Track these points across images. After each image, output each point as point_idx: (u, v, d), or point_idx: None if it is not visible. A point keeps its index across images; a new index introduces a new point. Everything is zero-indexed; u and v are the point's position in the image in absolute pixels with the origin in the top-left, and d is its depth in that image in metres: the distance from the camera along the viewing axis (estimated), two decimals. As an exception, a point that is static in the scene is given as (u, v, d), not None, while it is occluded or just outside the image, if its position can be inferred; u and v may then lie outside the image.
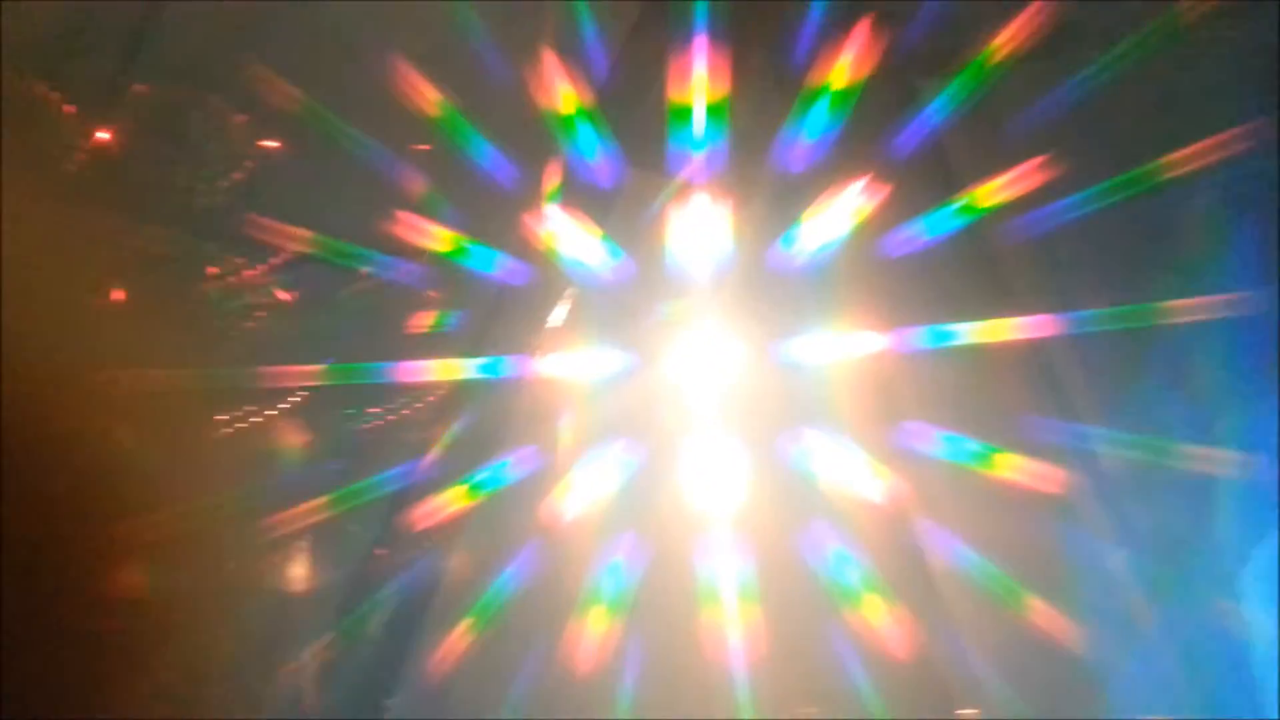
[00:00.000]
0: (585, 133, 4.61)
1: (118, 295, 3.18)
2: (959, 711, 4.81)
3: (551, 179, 4.59)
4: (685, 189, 4.55)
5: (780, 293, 4.66)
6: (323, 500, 4.70)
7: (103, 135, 4.19)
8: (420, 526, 4.82)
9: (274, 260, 4.66)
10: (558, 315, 4.76)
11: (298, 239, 4.55)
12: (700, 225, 4.60)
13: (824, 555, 4.56)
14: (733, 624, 4.56)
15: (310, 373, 4.75)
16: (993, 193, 4.74)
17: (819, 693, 4.63)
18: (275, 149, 4.59)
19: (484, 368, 4.78)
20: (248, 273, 4.66)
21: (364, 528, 4.92)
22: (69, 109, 4.03)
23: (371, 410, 5.05)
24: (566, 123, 4.59)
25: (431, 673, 4.74)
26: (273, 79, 4.33)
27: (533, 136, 4.62)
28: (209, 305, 4.62)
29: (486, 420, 4.84)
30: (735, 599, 4.54)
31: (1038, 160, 4.63)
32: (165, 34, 4.28)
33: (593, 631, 4.63)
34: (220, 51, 4.37)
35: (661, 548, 4.61)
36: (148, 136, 4.42)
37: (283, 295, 4.74)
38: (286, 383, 4.73)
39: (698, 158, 4.54)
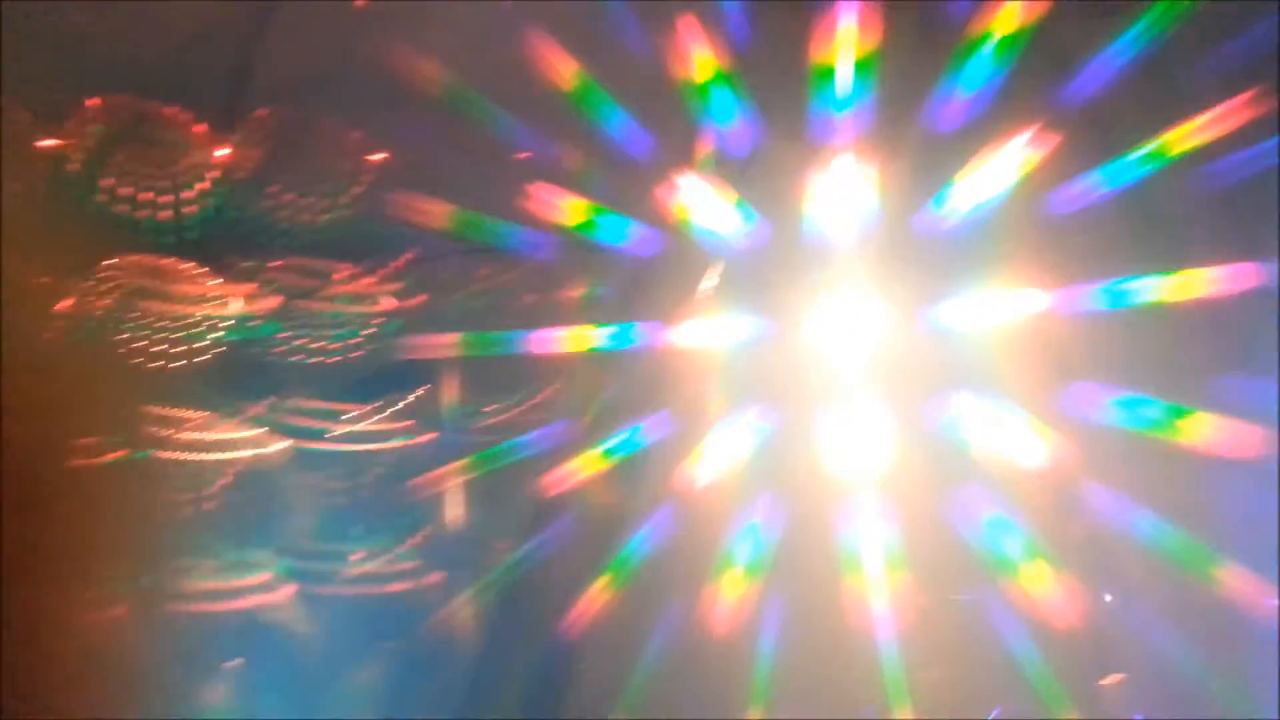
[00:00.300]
0: (724, 98, 4.41)
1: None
2: (1105, 679, 4.67)
3: (688, 147, 4.41)
4: (828, 152, 4.31)
5: (929, 255, 4.43)
6: (466, 463, 4.81)
7: (224, 153, 4.24)
8: (557, 490, 4.80)
9: (395, 264, 4.69)
10: (694, 284, 4.63)
11: (436, 216, 4.53)
12: (845, 188, 4.40)
13: (976, 520, 4.38)
14: (875, 588, 4.45)
15: (450, 343, 4.79)
16: (1184, 138, 4.27)
17: (960, 657, 4.46)
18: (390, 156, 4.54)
19: (618, 337, 4.71)
20: (366, 280, 4.70)
21: (505, 490, 5.05)
22: (199, 128, 4.09)
23: (509, 379, 5.10)
24: (704, 89, 4.38)
25: (570, 631, 4.77)
26: (412, 59, 4.21)
27: (669, 105, 4.45)
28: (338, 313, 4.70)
29: (621, 388, 4.81)
30: (878, 562, 4.43)
31: (1240, 98, 4.13)
32: (276, 54, 4.24)
33: (730, 594, 4.55)
34: (333, 60, 4.32)
35: (801, 512, 4.51)
36: (270, 156, 4.45)
37: (399, 301, 4.75)
38: (431, 354, 4.78)
39: (843, 119, 4.32)
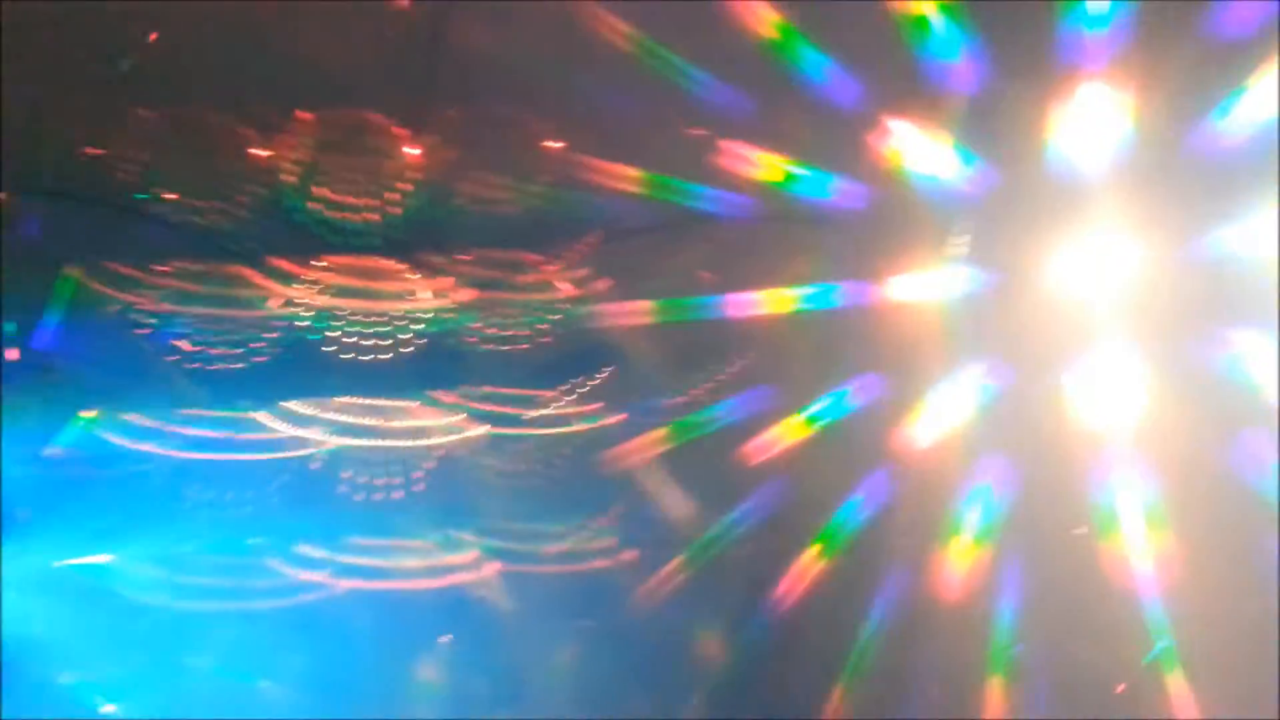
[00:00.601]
0: (946, 33, 4.18)
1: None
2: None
3: (901, 90, 4.24)
4: (1074, 79, 4.04)
5: (1201, 178, 4.08)
6: (663, 435, 4.84)
7: (419, 153, 4.44)
8: (760, 458, 4.78)
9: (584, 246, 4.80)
10: (915, 236, 4.48)
11: (629, 179, 4.53)
12: (1094, 117, 4.06)
13: (1262, 468, 4.04)
14: (1134, 548, 4.19)
15: (647, 310, 4.84)
16: None
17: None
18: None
19: (823, 297, 4.61)
20: (555, 265, 4.82)
21: (705, 461, 5.08)
22: (398, 131, 4.31)
23: (705, 350, 5.15)
24: (921, 23, 4.16)
25: (780, 605, 4.79)
26: (600, 17, 4.22)
27: (880, 45, 4.25)
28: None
29: (827, 350, 4.72)
30: (1138, 520, 4.17)
31: None
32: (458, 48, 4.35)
33: (960, 558, 4.42)
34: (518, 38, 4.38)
35: (1042, 473, 4.32)
36: (461, 153, 4.61)
37: (588, 283, 4.86)
38: (628, 322, 4.82)
39: (1095, 39, 4.01)
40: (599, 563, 5.57)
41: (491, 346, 4.80)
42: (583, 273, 4.74)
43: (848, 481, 4.71)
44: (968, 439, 4.38)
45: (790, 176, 4.46)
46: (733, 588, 5.05)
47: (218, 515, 5.61)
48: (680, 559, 5.00)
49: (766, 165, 4.49)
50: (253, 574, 5.74)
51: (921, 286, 4.38)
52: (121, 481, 5.66)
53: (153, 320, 4.63)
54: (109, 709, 5.95)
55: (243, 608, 5.70)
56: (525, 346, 4.82)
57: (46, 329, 5.28)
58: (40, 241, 4.84)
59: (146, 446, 5.05)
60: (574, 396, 5.09)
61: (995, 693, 4.37)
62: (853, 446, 4.71)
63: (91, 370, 5.33)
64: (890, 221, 4.43)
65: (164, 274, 4.57)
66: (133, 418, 5.12)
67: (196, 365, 4.61)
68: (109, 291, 4.64)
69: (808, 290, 4.60)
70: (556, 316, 4.72)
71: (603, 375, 5.04)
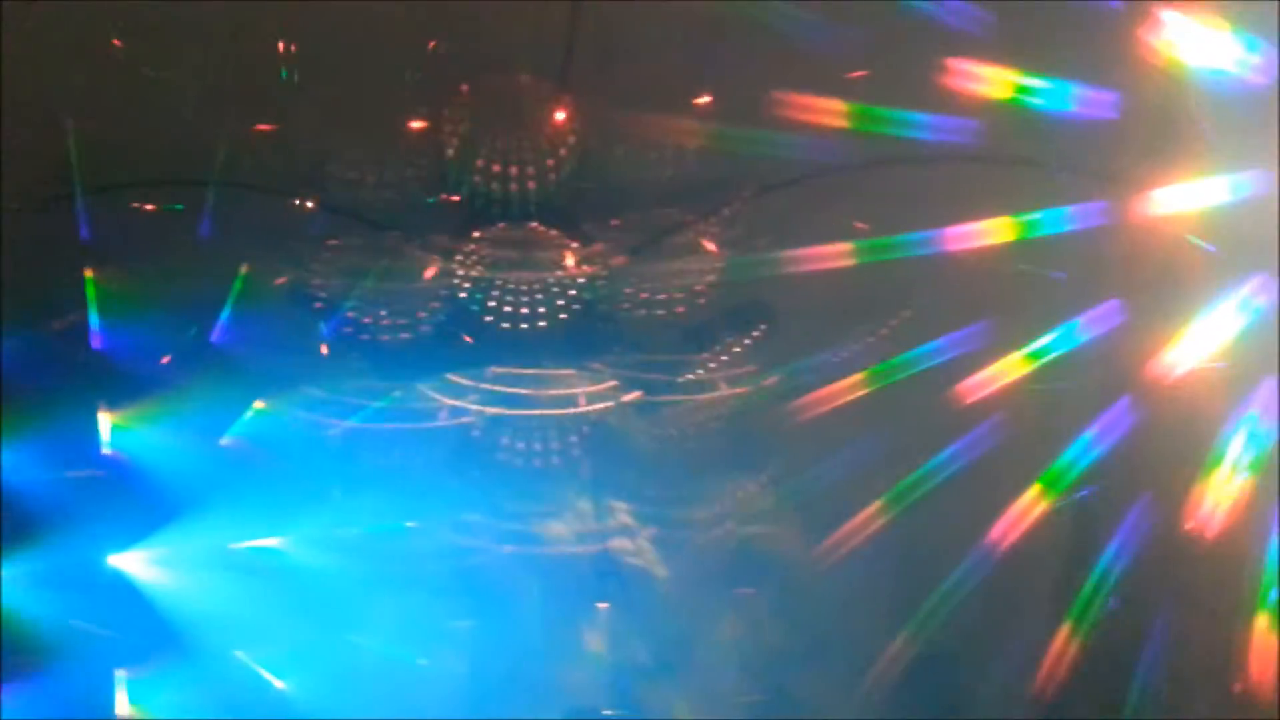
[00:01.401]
0: None
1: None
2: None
3: None
4: None
5: None
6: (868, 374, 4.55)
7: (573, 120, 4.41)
8: (976, 396, 4.56)
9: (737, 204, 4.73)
10: (1168, 140, 4.07)
11: (833, 113, 4.32)
12: None
13: None
14: None
15: (845, 251, 4.57)
16: None
17: None
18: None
19: (1049, 220, 4.28)
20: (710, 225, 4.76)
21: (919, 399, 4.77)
22: (553, 100, 4.31)
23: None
24: None
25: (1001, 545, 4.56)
26: None
27: None
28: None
29: (1049, 278, 4.43)
30: None
31: None
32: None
33: (1220, 493, 4.13)
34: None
35: None
36: (611, 118, 4.57)
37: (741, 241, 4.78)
38: (821, 264, 4.59)
39: None
40: (758, 528, 5.49)
41: (645, 311, 4.76)
42: (737, 230, 4.63)
43: (1081, 417, 4.46)
44: (1231, 364, 4.03)
45: (1027, 91, 4.13)
46: (937, 536, 4.79)
47: (382, 487, 5.72)
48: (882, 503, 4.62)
49: (998, 82, 4.16)
50: (416, 540, 5.84)
51: (1178, 198, 3.99)
52: (292, 465, 5.82)
53: (322, 296, 4.71)
54: (279, 685, 6.08)
55: (407, 573, 5.79)
56: (680, 310, 4.76)
57: (222, 322, 5.45)
58: (213, 235, 4.96)
59: (318, 419, 5.14)
60: (729, 358, 5.01)
61: (1260, 633, 4.13)
62: (1089, 379, 4.47)
63: (263, 357, 5.48)
64: (1146, 129, 4.08)
65: (332, 251, 4.66)
66: (302, 398, 5.23)
67: (364, 339, 4.68)
68: (281, 273, 4.73)
69: (1042, 214, 4.30)
70: (710, 277, 4.65)
71: (758, 334, 4.93)
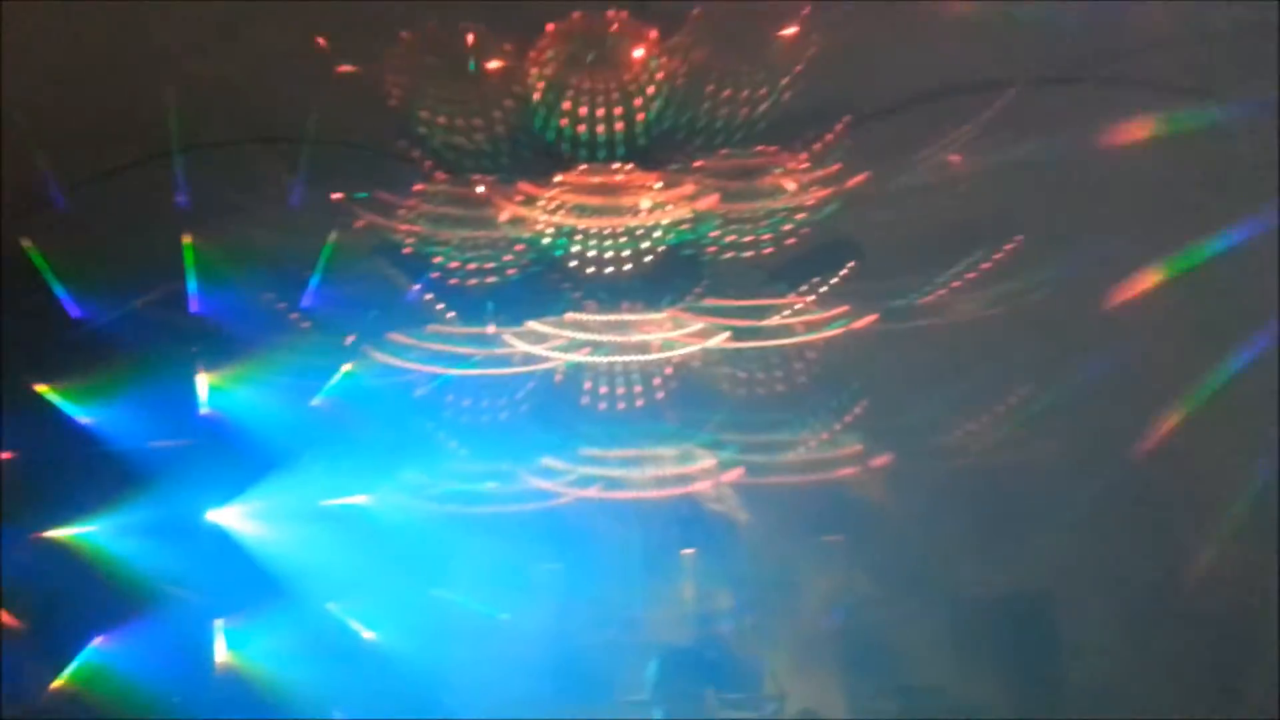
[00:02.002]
0: None
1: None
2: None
3: None
4: None
5: None
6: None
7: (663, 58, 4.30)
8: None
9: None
10: None
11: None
12: None
13: None
14: None
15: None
16: None
17: None
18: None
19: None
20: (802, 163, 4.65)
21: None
22: (643, 34, 4.20)
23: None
24: None
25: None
26: None
27: None
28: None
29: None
30: None
31: None
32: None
33: None
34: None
35: None
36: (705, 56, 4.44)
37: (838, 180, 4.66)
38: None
39: None
40: (846, 471, 5.39)
41: (732, 254, 4.69)
42: (831, 168, 4.52)
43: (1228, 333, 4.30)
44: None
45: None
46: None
47: (468, 433, 5.73)
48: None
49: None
50: (503, 481, 5.86)
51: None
52: (378, 424, 5.85)
53: (409, 245, 4.71)
54: (369, 635, 6.15)
55: (494, 512, 5.80)
56: (768, 250, 4.68)
57: (310, 287, 5.50)
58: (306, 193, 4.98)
59: (405, 364, 5.15)
60: (816, 297, 4.90)
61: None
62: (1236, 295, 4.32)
63: (350, 316, 5.51)
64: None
65: (418, 199, 4.64)
66: (390, 346, 5.24)
67: (452, 282, 4.67)
68: (368, 223, 4.73)
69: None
70: (801, 215, 4.55)
71: (847, 273, 4.81)
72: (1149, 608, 4.94)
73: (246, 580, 6.01)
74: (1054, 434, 4.93)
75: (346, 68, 4.26)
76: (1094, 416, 4.86)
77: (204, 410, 6.09)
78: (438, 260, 4.76)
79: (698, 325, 4.97)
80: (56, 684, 5.77)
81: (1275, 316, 4.29)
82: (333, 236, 5.31)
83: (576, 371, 5.16)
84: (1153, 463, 4.68)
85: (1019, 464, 4.97)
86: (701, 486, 5.64)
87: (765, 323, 4.98)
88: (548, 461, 5.62)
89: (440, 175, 4.56)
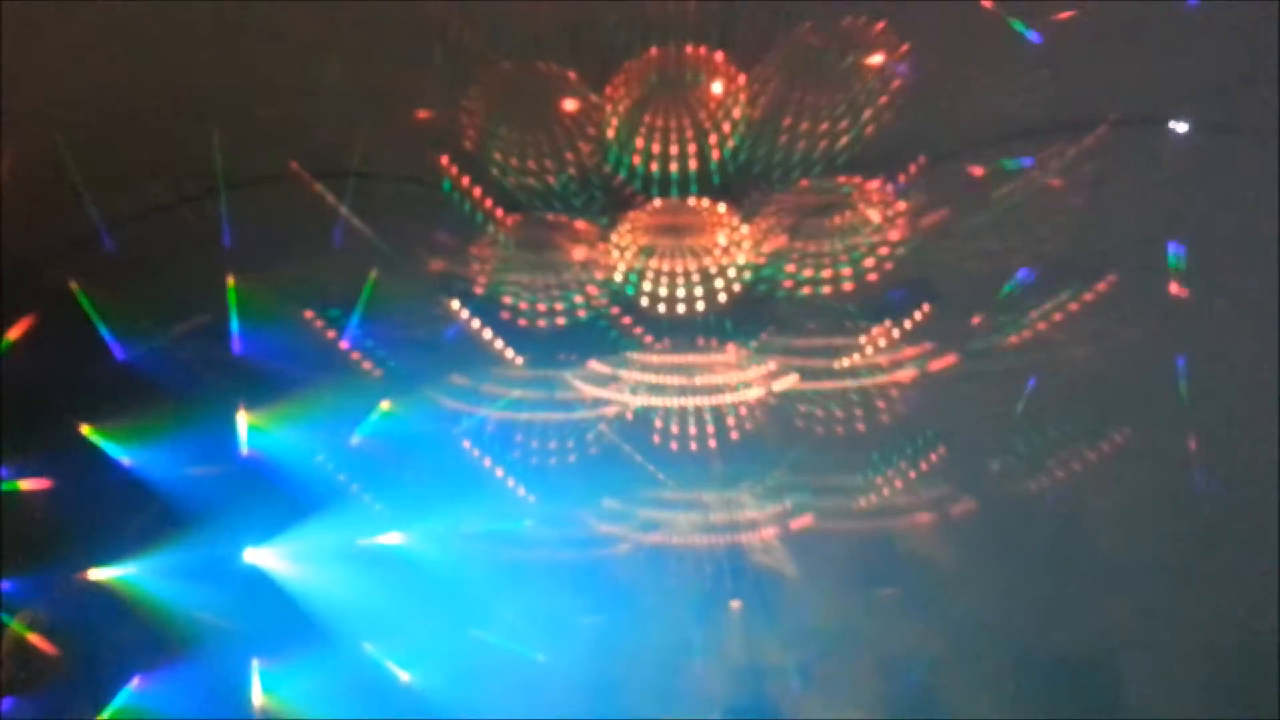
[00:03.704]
0: None
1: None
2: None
3: None
4: None
5: None
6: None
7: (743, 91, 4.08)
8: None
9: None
10: None
11: None
12: None
13: None
14: None
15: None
16: None
17: None
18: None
19: None
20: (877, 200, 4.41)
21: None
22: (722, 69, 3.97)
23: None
24: None
25: None
26: None
27: None
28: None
29: None
30: None
31: None
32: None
33: None
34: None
35: None
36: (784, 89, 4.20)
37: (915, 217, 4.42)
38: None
39: None
40: (919, 518, 5.11)
41: (808, 290, 4.42)
42: (909, 203, 4.26)
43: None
44: None
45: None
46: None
47: (522, 478, 5.46)
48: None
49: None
50: (560, 527, 5.60)
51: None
52: (420, 463, 5.62)
53: (474, 288, 4.44)
54: (405, 676, 5.90)
55: (532, 566, 5.54)
56: (847, 288, 4.41)
57: (352, 324, 5.27)
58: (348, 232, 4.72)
59: (458, 407, 4.88)
60: (894, 338, 4.64)
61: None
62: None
63: (394, 355, 5.28)
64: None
65: (487, 238, 4.38)
66: (450, 388, 4.97)
67: (520, 325, 4.40)
68: (429, 263, 4.47)
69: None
70: (882, 250, 4.29)
71: (924, 313, 4.55)
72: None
73: (283, 621, 5.82)
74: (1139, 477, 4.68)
75: (425, 113, 4.01)
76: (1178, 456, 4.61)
77: (244, 451, 5.84)
78: (507, 300, 4.48)
79: (770, 365, 4.68)
80: (97, 723, 5.48)
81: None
82: (372, 276, 5.06)
83: (644, 413, 4.89)
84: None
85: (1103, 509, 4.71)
86: (767, 534, 5.36)
87: (841, 362, 4.69)
88: (608, 504, 5.34)
89: (510, 217, 4.29)
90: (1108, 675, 5.01)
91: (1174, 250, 4.34)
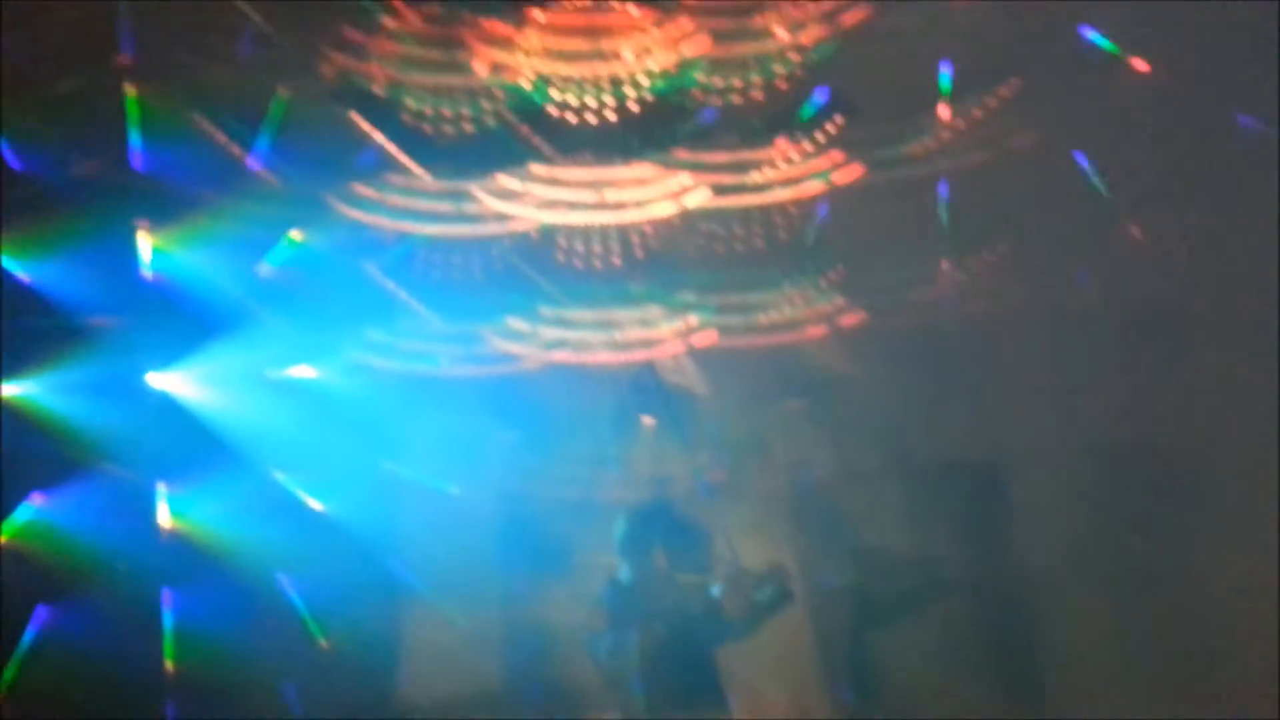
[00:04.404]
0: None
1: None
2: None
3: None
4: None
5: None
6: None
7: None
8: None
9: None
10: None
11: None
12: None
13: None
14: None
15: None
16: None
17: None
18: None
19: None
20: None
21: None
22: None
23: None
24: None
25: None
26: None
27: None
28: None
29: None
30: None
31: None
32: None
33: None
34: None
35: None
36: None
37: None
38: None
39: None
40: (818, 330, 5.12)
41: (720, 101, 4.31)
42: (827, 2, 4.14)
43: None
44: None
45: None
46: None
47: (430, 295, 5.36)
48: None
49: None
50: (466, 345, 5.53)
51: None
52: (332, 291, 5.48)
53: (377, 90, 4.25)
54: (317, 506, 5.87)
55: (454, 375, 5.48)
56: (759, 98, 4.30)
57: (259, 146, 5.05)
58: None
59: (371, 220, 4.73)
60: (809, 150, 4.56)
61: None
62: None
63: (304, 180, 5.09)
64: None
65: (390, 39, 4.18)
66: (353, 199, 4.80)
67: (424, 131, 4.24)
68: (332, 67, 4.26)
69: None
70: (797, 60, 4.18)
71: (840, 122, 4.48)
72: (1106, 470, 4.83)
73: (191, 446, 5.66)
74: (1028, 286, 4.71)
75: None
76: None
77: (146, 273, 5.63)
78: (410, 104, 4.31)
79: (680, 181, 4.60)
80: (-9, 538, 5.38)
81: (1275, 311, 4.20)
82: (285, 88, 4.82)
83: (550, 231, 4.78)
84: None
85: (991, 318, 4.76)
86: (675, 347, 5.33)
87: (754, 175, 4.61)
88: (513, 324, 5.26)
89: (416, 11, 4.08)
90: (1004, 479, 5.18)
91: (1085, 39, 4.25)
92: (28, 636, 5.29)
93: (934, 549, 4.98)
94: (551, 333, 5.30)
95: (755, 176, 4.66)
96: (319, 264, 5.47)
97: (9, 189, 5.28)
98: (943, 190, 4.46)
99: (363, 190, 4.84)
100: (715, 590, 4.19)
